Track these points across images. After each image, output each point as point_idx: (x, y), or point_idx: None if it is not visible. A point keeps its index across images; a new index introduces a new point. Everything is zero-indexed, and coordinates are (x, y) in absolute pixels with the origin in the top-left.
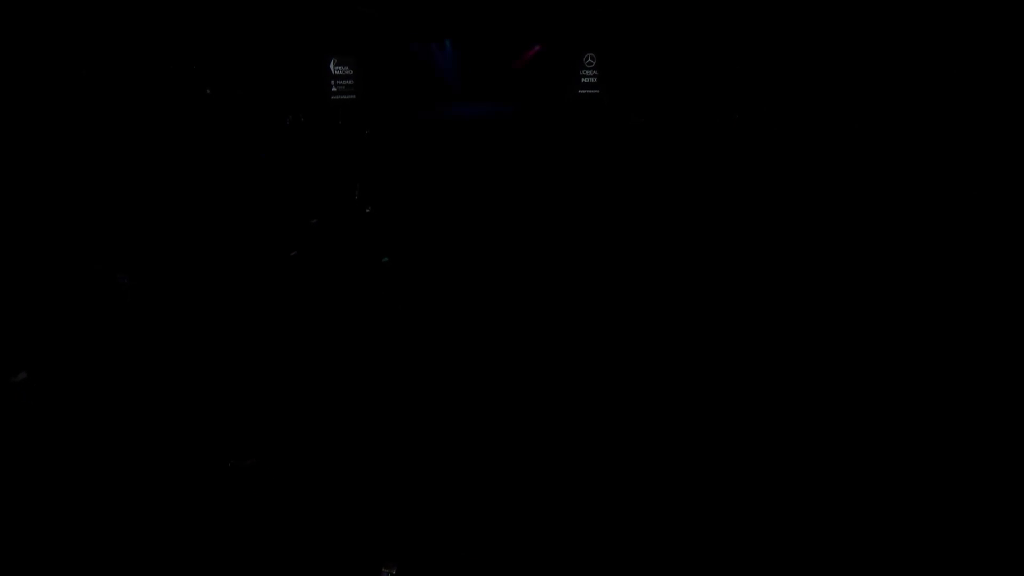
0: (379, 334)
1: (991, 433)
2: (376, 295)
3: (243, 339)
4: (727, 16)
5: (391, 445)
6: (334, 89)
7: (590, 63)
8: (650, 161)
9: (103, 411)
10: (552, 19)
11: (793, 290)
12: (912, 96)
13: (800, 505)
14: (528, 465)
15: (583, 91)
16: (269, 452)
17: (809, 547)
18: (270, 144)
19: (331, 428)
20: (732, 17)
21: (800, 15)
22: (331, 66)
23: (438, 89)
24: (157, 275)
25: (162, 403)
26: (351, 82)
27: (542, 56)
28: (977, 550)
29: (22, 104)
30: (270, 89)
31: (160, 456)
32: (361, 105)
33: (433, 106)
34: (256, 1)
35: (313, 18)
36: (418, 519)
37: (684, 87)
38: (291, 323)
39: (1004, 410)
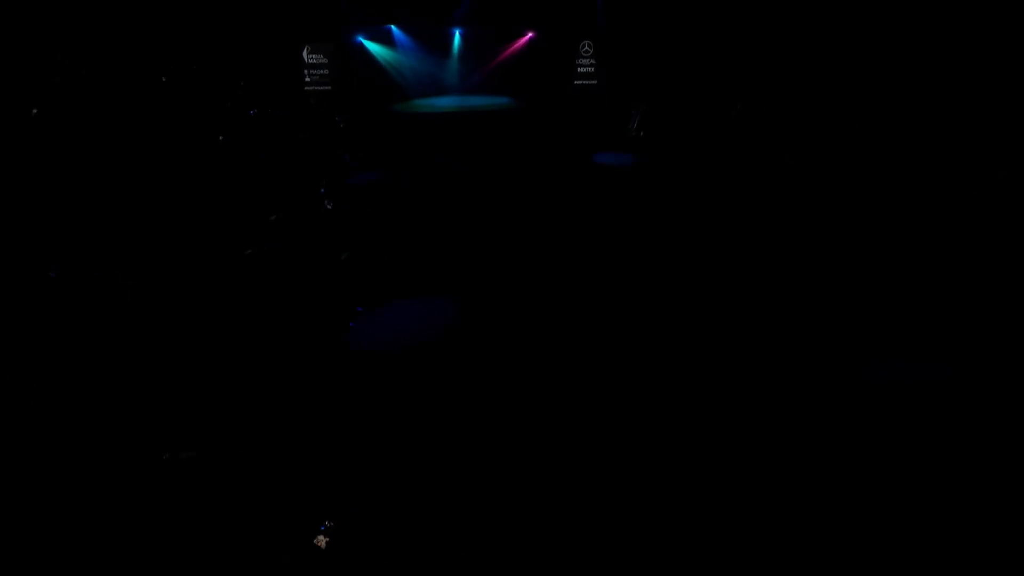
0: (334, 332)
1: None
2: (334, 292)
3: (190, 334)
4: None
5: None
6: (307, 79)
7: (587, 52)
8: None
9: (43, 399)
10: (547, 6)
11: (793, 285)
12: (911, 97)
13: (797, 505)
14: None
15: (579, 81)
16: (210, 445)
17: (805, 547)
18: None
19: (275, 423)
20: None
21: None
22: (304, 55)
23: (422, 80)
24: (98, 268)
25: (102, 394)
26: (326, 72)
27: (536, 45)
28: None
29: None
30: (236, 78)
31: (95, 446)
32: (336, 96)
33: (417, 98)
34: None
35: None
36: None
37: (684, 76)
38: (241, 320)
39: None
